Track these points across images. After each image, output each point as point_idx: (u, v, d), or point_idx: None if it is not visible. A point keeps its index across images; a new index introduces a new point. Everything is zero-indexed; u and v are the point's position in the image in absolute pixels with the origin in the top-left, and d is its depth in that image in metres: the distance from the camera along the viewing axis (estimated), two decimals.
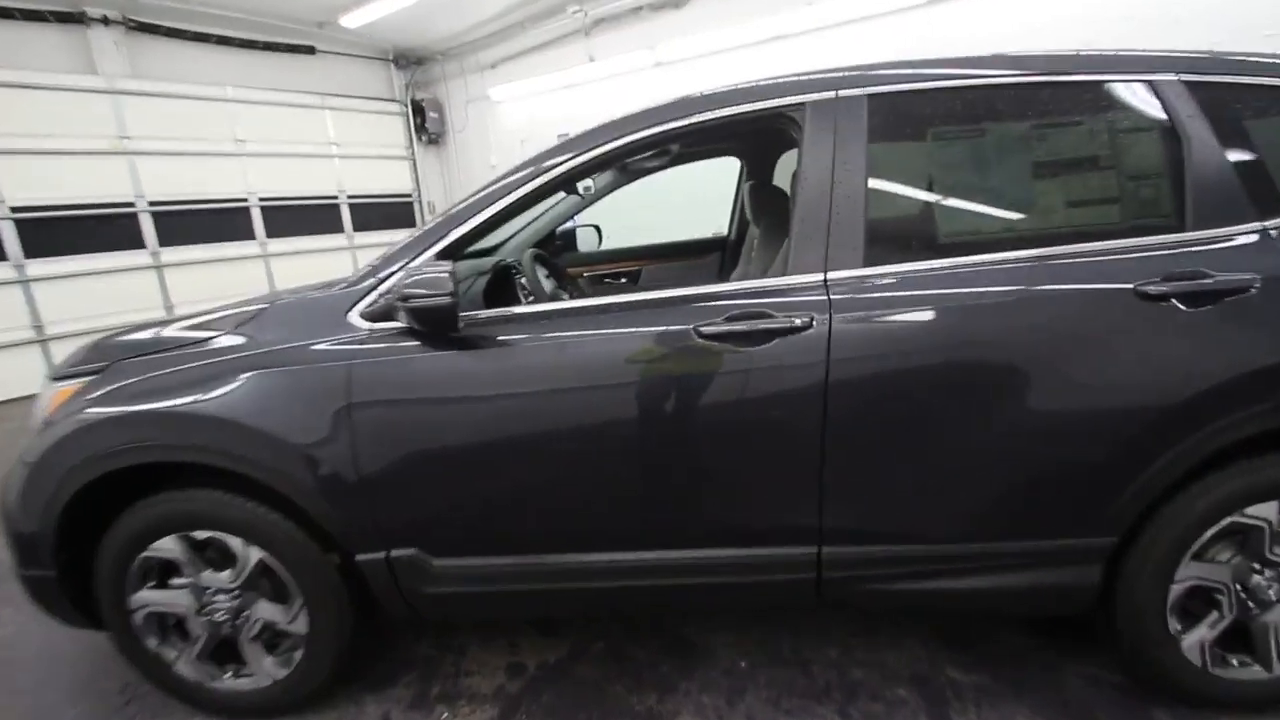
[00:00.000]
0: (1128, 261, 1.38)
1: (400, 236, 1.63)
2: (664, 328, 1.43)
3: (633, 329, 1.44)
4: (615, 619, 2.00)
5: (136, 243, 6.05)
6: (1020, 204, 1.51)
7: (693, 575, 1.52)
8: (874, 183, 1.44)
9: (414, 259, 1.53)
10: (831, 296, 1.39)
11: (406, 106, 8.14)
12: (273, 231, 6.95)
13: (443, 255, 1.54)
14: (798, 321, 1.37)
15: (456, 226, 1.56)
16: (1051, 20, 4.64)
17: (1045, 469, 1.40)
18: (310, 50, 7.23)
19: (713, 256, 3.06)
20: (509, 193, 1.56)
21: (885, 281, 1.39)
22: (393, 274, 1.52)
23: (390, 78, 8.12)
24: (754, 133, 2.51)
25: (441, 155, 8.56)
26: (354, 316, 1.52)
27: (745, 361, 1.39)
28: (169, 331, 1.75)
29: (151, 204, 6.10)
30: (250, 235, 6.84)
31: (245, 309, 1.69)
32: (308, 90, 7.18)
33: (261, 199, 6.86)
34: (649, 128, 1.53)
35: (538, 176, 1.56)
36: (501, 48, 7.33)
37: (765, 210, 2.37)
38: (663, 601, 1.61)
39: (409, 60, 8.10)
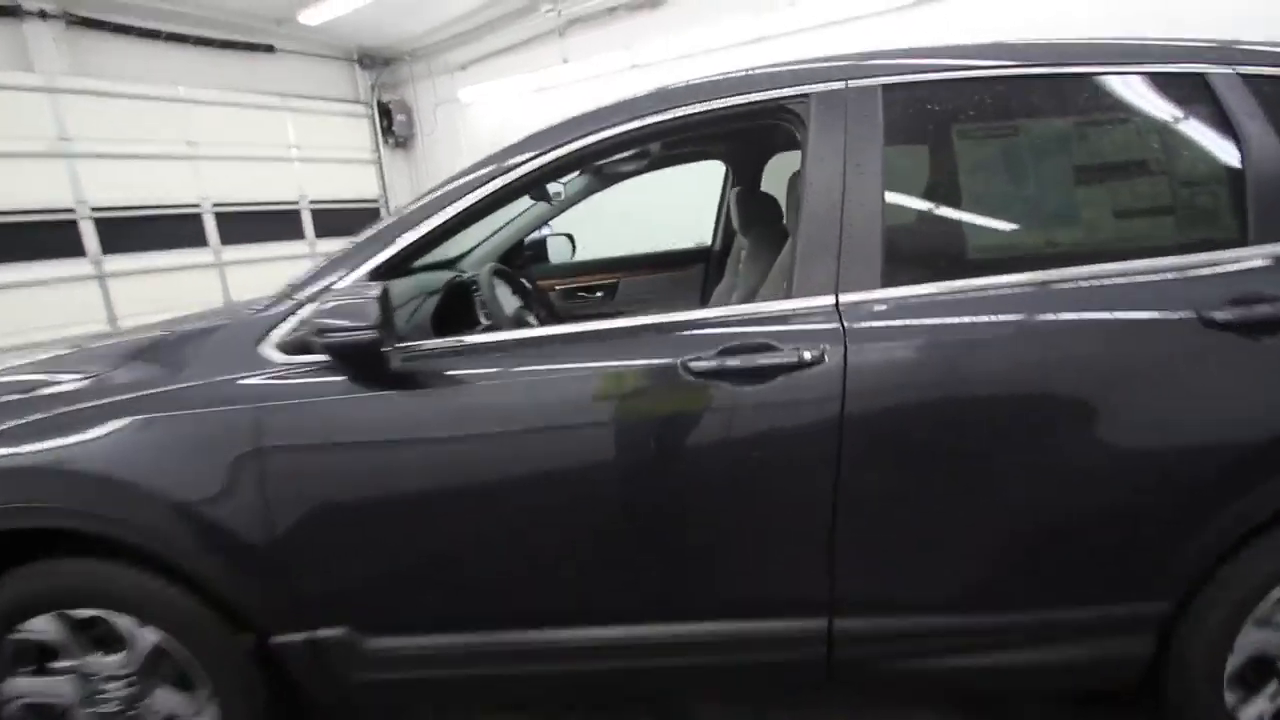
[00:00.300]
0: (1187, 282, 1.18)
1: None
2: (646, 362, 1.19)
3: (608, 363, 1.20)
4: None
5: (77, 251, 5.63)
6: (1060, 215, 1.30)
7: (679, 655, 1.28)
8: (892, 188, 1.22)
9: (342, 278, 1.27)
10: (846, 324, 1.16)
11: (372, 108, 7.81)
12: (228, 239, 6.56)
13: (381, 272, 1.29)
14: (807, 355, 1.13)
15: (397, 238, 1.30)
16: (1024, 24, 4.53)
17: (1100, 524, 1.19)
18: (269, 49, 6.88)
19: (696, 269, 2.83)
20: (463, 197, 1.31)
21: (908, 305, 1.17)
22: (314, 296, 1.26)
23: (355, 78, 7.79)
24: (742, 132, 2.30)
25: (410, 159, 8.24)
26: (267, 348, 1.25)
27: (743, 403, 1.15)
28: (48, 365, 1.46)
29: (94, 210, 5.69)
30: (203, 243, 6.44)
31: (139, 338, 1.41)
32: (267, 91, 6.82)
33: (216, 205, 6.46)
34: (626, 123, 1.30)
35: (498, 177, 1.31)
36: (472, 48, 7.06)
37: (754, 219, 2.15)
38: (645, 685, 1.36)
39: (375, 60, 7.78)
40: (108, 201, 5.74)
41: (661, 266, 2.88)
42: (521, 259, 2.82)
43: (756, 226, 2.14)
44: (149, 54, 6.15)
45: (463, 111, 7.39)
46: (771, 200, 2.21)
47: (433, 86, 7.63)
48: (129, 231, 5.90)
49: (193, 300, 5.89)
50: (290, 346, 1.25)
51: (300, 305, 1.27)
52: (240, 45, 6.61)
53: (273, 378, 1.22)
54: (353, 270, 1.27)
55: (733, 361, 1.15)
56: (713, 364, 1.15)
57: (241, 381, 1.23)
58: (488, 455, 1.20)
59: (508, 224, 2.77)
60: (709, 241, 2.89)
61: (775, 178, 2.56)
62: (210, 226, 6.45)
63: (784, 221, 2.19)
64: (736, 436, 1.16)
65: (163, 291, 6.07)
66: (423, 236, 1.31)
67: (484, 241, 2.77)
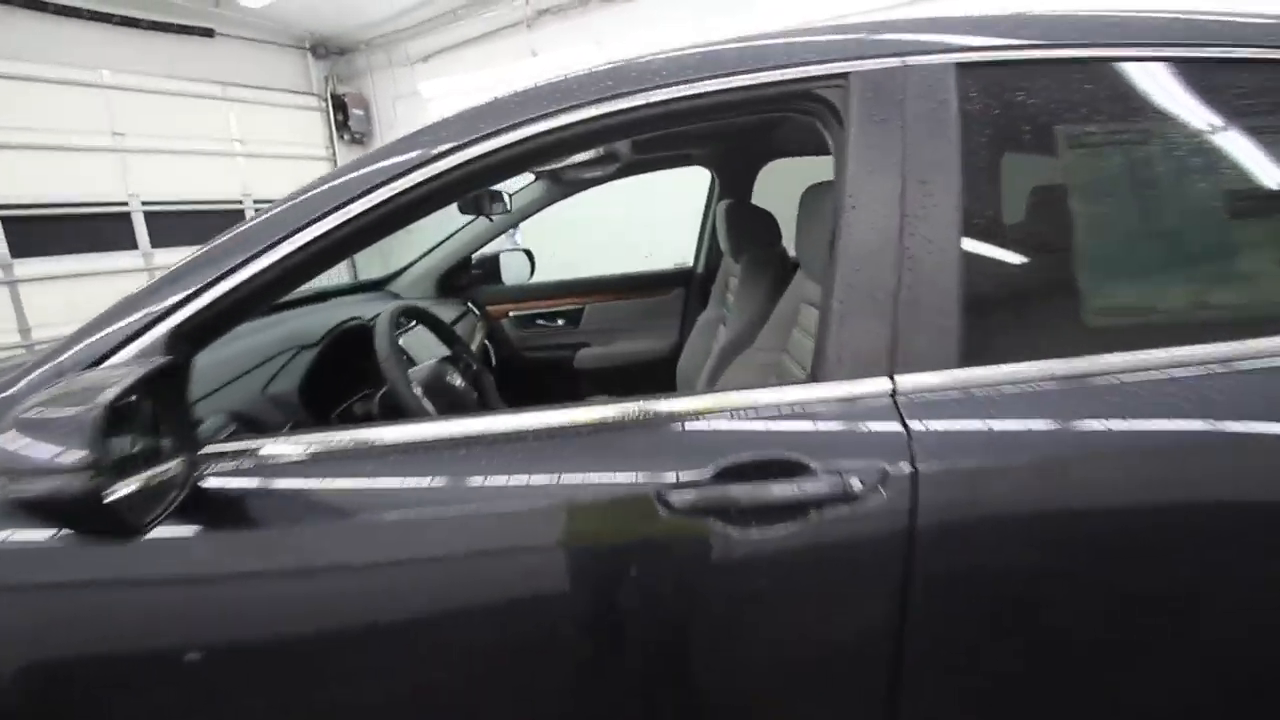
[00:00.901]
0: None
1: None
2: (601, 485, 0.76)
3: (542, 484, 0.77)
4: None
5: None
6: (1212, 264, 0.90)
7: None
8: (974, 217, 0.81)
9: (130, 338, 0.81)
10: (910, 424, 0.74)
11: (326, 101, 7.25)
12: (159, 241, 5.96)
13: (198, 324, 0.84)
14: (855, 483, 0.72)
15: (238, 264, 0.84)
16: None
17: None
18: (208, 33, 6.28)
19: (674, 294, 2.41)
20: (351, 202, 0.85)
21: (1005, 396, 0.76)
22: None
23: (307, 68, 7.21)
24: (733, 130, 1.88)
25: None
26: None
27: (752, 557, 0.73)
28: None
29: (2, 206, 5.08)
30: (131, 245, 5.85)
31: None
32: (206, 79, 6.24)
33: (146, 203, 5.88)
34: (575, 110, 0.88)
35: (421, 169, 0.87)
36: (434, 38, 6.57)
37: (747, 240, 1.75)
38: None
39: (329, 49, 7.22)
40: (18, 197, 5.14)
41: (634, 291, 2.45)
42: (468, 278, 2.38)
43: (750, 249, 1.74)
44: (68, 34, 5.54)
45: (424, 106, 6.89)
46: (767, 217, 1.80)
47: (392, 79, 7.12)
48: (43, 232, 5.30)
49: None
50: None
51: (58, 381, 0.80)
52: (173, 28, 6.01)
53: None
54: (136, 335, 0.81)
55: (736, 491, 0.73)
56: (706, 495, 0.73)
57: None
58: (341, 637, 0.76)
59: (452, 236, 2.33)
60: (690, 263, 2.48)
61: (771, 188, 2.16)
62: (140, 227, 5.87)
63: (781, 243, 1.79)
64: (740, 612, 0.74)
65: (84, 299, 5.48)
66: (283, 260, 0.83)
67: (424, 257, 2.33)
